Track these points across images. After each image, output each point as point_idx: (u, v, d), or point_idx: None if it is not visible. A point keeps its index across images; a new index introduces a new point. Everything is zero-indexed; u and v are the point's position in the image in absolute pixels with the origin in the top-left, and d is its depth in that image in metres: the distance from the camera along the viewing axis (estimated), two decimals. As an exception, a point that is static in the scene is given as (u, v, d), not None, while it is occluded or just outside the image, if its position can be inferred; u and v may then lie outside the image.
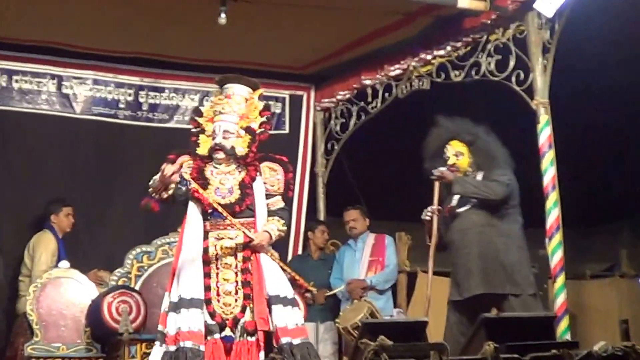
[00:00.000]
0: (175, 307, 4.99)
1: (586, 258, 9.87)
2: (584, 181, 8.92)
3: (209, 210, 5.13)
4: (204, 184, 5.19)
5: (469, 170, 5.95)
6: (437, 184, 5.97)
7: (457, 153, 5.95)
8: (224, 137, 5.21)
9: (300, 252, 8.09)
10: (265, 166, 5.34)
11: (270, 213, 5.25)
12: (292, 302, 5.16)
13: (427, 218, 5.98)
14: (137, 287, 6.31)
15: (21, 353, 6.09)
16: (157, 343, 5.07)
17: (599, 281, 9.47)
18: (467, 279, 5.75)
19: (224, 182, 5.22)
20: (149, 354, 5.88)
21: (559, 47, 6.35)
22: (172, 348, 4.90)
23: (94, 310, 6.04)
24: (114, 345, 5.98)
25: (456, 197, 5.93)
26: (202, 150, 5.27)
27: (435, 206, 5.96)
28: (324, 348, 7.16)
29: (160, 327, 5.09)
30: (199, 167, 5.25)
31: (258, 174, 5.27)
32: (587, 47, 7.14)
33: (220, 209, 5.09)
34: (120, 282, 6.34)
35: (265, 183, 5.28)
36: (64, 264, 6.45)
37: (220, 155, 5.22)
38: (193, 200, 5.15)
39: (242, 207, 5.16)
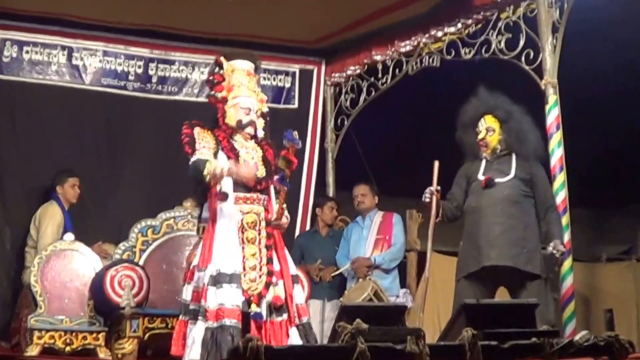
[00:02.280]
0: (215, 281, 4.83)
1: (603, 240, 9.76)
2: (602, 162, 8.81)
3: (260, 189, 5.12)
4: (236, 155, 5.13)
5: (497, 147, 5.82)
6: (436, 164, 5.89)
7: (489, 129, 5.83)
8: (257, 117, 5.22)
9: (308, 227, 8.04)
10: None
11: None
12: (299, 281, 5.23)
13: (427, 200, 5.89)
14: (141, 261, 6.32)
15: (25, 324, 6.08)
16: (199, 318, 4.82)
17: (615, 264, 9.32)
18: (489, 248, 5.59)
19: (250, 156, 5.18)
20: (151, 328, 5.93)
21: (568, 27, 6.26)
22: (214, 324, 4.76)
23: (97, 284, 6.05)
24: (116, 319, 5.98)
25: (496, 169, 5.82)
26: (230, 120, 5.16)
27: (434, 187, 5.87)
28: (330, 326, 7.12)
29: (194, 304, 4.90)
30: (228, 138, 5.18)
31: None
32: (596, 26, 7.01)
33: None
34: (124, 256, 6.34)
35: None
36: (69, 236, 6.44)
37: (252, 131, 5.17)
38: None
39: (269, 184, 5.15)
